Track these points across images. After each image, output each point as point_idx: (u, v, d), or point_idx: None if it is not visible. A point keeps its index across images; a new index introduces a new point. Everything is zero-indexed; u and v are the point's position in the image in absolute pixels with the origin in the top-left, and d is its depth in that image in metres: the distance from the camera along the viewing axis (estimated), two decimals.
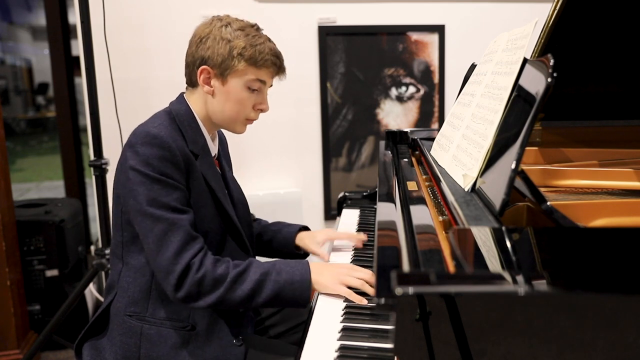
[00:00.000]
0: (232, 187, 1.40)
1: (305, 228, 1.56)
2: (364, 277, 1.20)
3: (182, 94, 1.33)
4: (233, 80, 1.25)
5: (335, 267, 1.24)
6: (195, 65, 1.26)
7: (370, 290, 1.17)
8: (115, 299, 1.27)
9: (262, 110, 1.31)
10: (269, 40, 1.28)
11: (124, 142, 2.20)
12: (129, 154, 1.18)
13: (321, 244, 1.48)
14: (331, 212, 2.87)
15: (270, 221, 1.61)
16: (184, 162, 1.19)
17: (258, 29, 1.28)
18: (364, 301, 1.16)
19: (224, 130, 1.41)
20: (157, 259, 1.14)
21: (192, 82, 1.29)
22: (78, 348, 1.31)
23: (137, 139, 1.18)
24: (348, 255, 1.47)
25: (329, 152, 2.85)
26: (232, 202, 1.35)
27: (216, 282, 1.15)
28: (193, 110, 1.29)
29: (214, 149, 1.34)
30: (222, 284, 1.15)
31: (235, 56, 1.22)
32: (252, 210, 1.53)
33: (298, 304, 1.19)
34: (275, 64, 1.27)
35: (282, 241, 1.52)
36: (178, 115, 1.26)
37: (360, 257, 1.45)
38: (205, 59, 1.24)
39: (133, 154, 1.17)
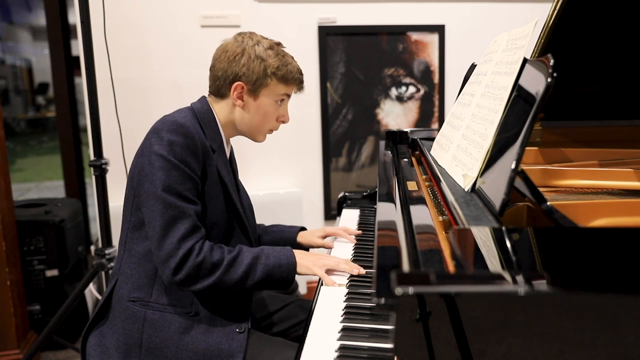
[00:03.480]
0: (241, 191, 1.48)
1: (304, 229, 1.64)
2: (339, 260, 1.35)
3: (204, 97, 1.39)
4: (265, 95, 1.34)
5: (315, 254, 1.37)
6: (228, 81, 1.33)
7: (344, 267, 1.32)
8: (117, 286, 1.31)
9: (283, 122, 1.42)
10: (293, 58, 1.38)
11: (124, 142, 2.24)
12: (154, 139, 1.23)
13: (322, 238, 1.58)
14: (331, 212, 2.87)
15: (270, 221, 1.67)
16: (202, 153, 1.26)
17: (282, 46, 1.38)
18: (335, 284, 1.29)
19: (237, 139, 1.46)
20: (161, 242, 1.19)
21: (220, 94, 1.36)
22: (83, 342, 1.33)
23: (164, 126, 1.24)
24: (348, 255, 1.47)
25: (329, 152, 2.85)
26: (240, 203, 1.41)
27: (214, 266, 1.22)
28: (215, 115, 1.36)
29: (227, 151, 1.41)
30: (219, 268, 1.22)
31: (269, 74, 1.32)
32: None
33: (284, 285, 1.29)
34: (301, 81, 1.39)
35: (285, 241, 1.60)
36: (200, 113, 1.34)
37: (360, 257, 1.45)
38: (239, 76, 1.32)
39: (159, 139, 1.23)
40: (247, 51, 1.31)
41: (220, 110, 1.36)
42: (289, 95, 1.39)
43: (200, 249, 1.21)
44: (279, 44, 1.37)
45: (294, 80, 1.36)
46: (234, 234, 1.36)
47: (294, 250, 1.32)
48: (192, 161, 1.23)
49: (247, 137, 1.42)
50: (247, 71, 1.31)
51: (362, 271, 1.31)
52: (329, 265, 1.32)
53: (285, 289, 1.31)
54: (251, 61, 1.31)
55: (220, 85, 1.35)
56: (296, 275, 1.30)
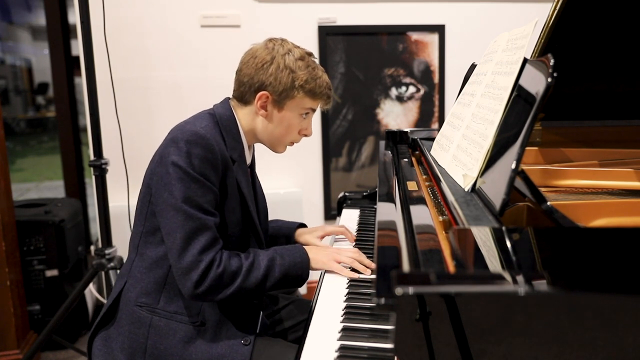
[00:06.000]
0: (259, 196, 1.46)
1: (302, 225, 1.63)
2: (353, 255, 1.35)
3: (227, 100, 1.36)
4: (289, 108, 1.31)
5: (327, 248, 1.39)
6: (253, 88, 1.29)
7: (360, 267, 1.33)
8: (125, 289, 1.30)
9: (305, 135, 1.38)
10: (323, 71, 1.35)
11: (124, 142, 2.24)
12: (173, 149, 1.20)
13: (320, 239, 1.56)
14: (331, 212, 2.87)
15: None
16: (222, 165, 1.23)
17: (313, 57, 1.35)
18: (353, 275, 1.31)
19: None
20: (182, 254, 1.17)
21: (244, 100, 1.33)
22: (90, 342, 1.32)
23: (184, 136, 1.21)
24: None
25: (329, 152, 2.85)
26: (257, 212, 1.40)
27: (234, 275, 1.21)
28: (238, 121, 1.32)
29: (248, 157, 1.38)
30: (239, 276, 1.21)
31: (297, 87, 1.28)
32: None
33: (300, 283, 1.31)
34: (329, 97, 1.35)
35: (284, 238, 1.60)
36: (222, 120, 1.30)
37: None
38: (265, 85, 1.28)
39: (177, 149, 1.20)
40: (277, 60, 1.27)
41: (243, 116, 1.33)
42: (314, 110, 1.35)
43: (220, 259, 1.20)
44: (310, 54, 1.33)
45: (322, 95, 1.32)
46: (249, 244, 1.35)
47: (305, 247, 1.34)
48: (211, 174, 1.21)
49: (266, 147, 1.39)
50: (274, 81, 1.27)
51: (373, 265, 1.33)
52: (345, 261, 1.34)
53: (300, 286, 1.32)
54: (279, 71, 1.26)
55: (244, 92, 1.31)
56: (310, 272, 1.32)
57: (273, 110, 1.30)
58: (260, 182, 1.52)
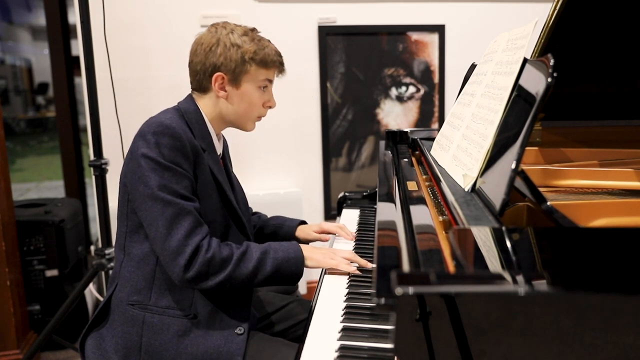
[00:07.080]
0: (236, 186, 1.46)
1: (303, 222, 1.65)
2: (348, 256, 1.36)
3: (190, 95, 1.38)
4: (246, 83, 1.32)
5: (322, 248, 1.38)
6: (207, 73, 1.31)
7: (352, 269, 1.33)
8: (116, 289, 1.30)
9: (270, 107, 1.40)
10: (270, 41, 1.36)
11: (124, 142, 2.24)
12: (141, 142, 1.22)
13: (317, 233, 1.61)
14: (331, 212, 2.87)
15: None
16: (192, 153, 1.24)
17: (257, 31, 1.36)
18: (352, 269, 1.33)
19: (229, 131, 1.45)
20: (166, 241, 1.18)
21: (202, 88, 1.34)
22: (82, 343, 1.33)
23: (150, 128, 1.22)
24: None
25: (329, 152, 2.85)
26: (235, 199, 1.39)
27: (223, 262, 1.21)
28: (202, 111, 1.34)
29: (219, 148, 1.39)
30: (229, 264, 1.21)
31: (248, 60, 1.30)
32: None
33: (293, 280, 1.30)
34: (281, 63, 1.37)
35: (285, 235, 1.62)
36: (187, 113, 1.32)
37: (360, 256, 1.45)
38: (218, 66, 1.30)
39: (145, 142, 1.21)
40: (222, 40, 1.29)
41: (206, 105, 1.35)
42: (271, 81, 1.37)
43: (209, 245, 1.20)
44: (253, 30, 1.35)
45: (273, 62, 1.34)
46: (230, 231, 1.35)
47: (301, 245, 1.33)
48: (183, 161, 1.22)
49: (237, 128, 1.40)
50: (225, 60, 1.29)
51: (369, 265, 1.34)
52: (338, 260, 1.33)
53: (293, 283, 1.31)
54: (227, 49, 1.29)
55: (201, 79, 1.33)
56: (304, 269, 1.31)
57: (232, 89, 1.32)
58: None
